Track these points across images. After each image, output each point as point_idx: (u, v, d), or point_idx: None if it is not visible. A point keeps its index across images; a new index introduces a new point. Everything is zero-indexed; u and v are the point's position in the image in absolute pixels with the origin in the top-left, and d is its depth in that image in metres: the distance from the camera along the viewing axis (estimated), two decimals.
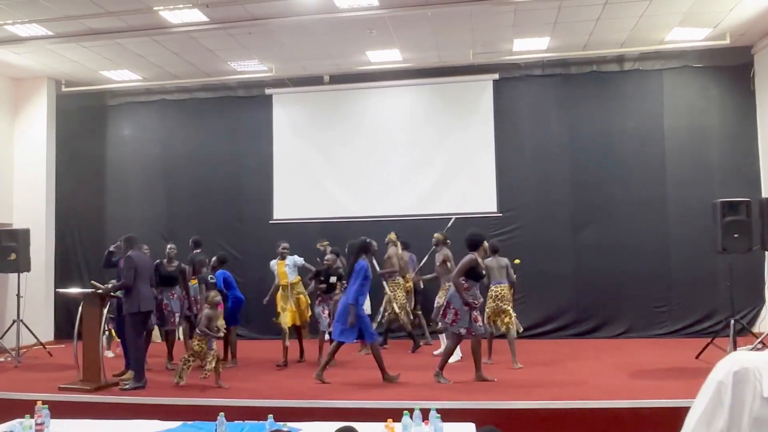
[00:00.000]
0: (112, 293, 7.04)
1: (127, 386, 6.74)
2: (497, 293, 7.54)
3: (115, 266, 7.48)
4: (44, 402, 4.45)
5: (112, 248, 7.71)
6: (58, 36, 8.89)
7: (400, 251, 9.04)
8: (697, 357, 7.53)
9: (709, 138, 9.76)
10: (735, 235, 7.24)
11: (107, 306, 7.13)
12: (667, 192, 9.76)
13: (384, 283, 8.89)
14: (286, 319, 8.07)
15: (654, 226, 9.70)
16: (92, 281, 7.58)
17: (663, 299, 9.64)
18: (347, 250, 7.34)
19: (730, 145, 9.68)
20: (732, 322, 7.23)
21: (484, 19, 8.58)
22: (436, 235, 8.58)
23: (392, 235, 9.15)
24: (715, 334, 7.89)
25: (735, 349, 7.16)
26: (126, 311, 6.90)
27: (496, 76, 10.33)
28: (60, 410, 4.87)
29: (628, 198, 9.80)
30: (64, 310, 10.45)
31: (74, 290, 8.13)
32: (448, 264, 8.10)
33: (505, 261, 7.77)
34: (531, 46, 9.65)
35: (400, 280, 8.89)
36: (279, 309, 8.23)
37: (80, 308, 7.16)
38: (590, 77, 10.13)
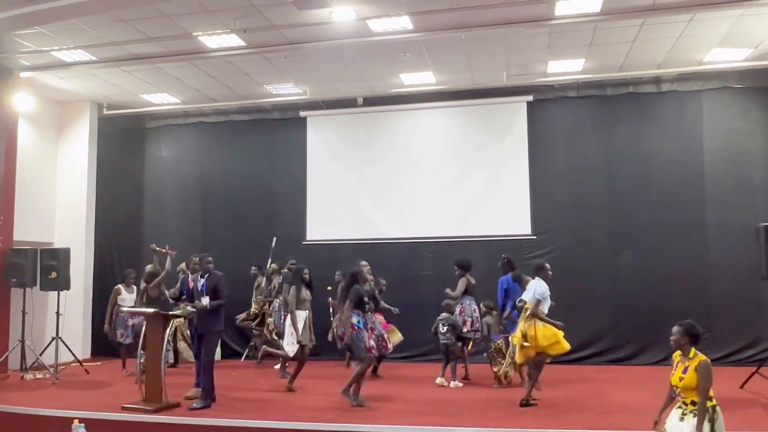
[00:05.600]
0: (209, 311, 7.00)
1: (196, 405, 6.78)
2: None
3: (183, 294, 7.42)
4: (81, 420, 4.51)
5: (182, 275, 7.73)
6: (101, 61, 9.17)
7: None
8: (741, 387, 7.26)
9: (751, 160, 9.50)
10: None
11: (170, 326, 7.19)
12: (708, 215, 9.51)
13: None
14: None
15: (694, 250, 9.44)
16: (184, 303, 7.31)
17: (705, 326, 9.19)
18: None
19: None
20: None
21: (518, 41, 8.56)
22: (272, 266, 9.60)
23: (275, 265, 9.68)
24: (761, 362, 7.59)
25: None
26: (215, 329, 7.04)
27: (530, 97, 10.27)
28: (96, 428, 4.92)
29: (667, 221, 9.57)
30: (101, 328, 10.60)
31: (142, 309, 8.00)
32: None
33: None
34: (566, 68, 9.59)
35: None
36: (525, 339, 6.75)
37: (143, 328, 7.24)
38: (627, 99, 9.98)
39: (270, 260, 9.87)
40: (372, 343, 6.82)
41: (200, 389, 7.12)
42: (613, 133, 10.02)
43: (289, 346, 7.65)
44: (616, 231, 9.78)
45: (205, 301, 6.94)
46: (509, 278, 8.23)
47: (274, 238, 10.10)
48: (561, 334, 6.72)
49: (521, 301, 7.15)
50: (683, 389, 4.14)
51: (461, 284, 8.30)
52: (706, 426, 4.02)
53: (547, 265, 7.02)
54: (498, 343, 8.02)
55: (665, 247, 9.52)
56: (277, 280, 9.48)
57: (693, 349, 4.20)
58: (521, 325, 6.81)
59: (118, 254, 11.51)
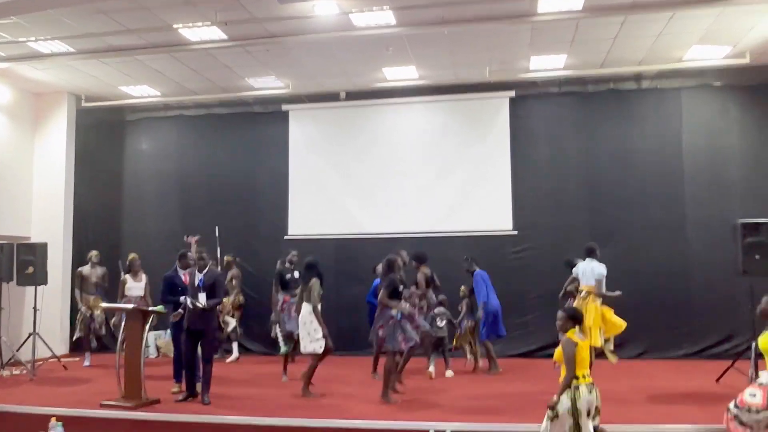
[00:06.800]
0: (206, 309, 6.92)
1: (181, 398, 6.98)
2: None
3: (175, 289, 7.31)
4: (58, 418, 4.45)
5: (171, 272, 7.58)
6: (79, 52, 9.01)
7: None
8: (717, 380, 7.38)
9: (729, 158, 9.63)
10: (756, 257, 7.11)
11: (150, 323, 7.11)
12: (686, 212, 9.63)
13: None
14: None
15: (673, 247, 9.56)
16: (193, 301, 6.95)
17: (682, 320, 9.48)
18: None
19: (751, 165, 9.54)
20: (753, 345, 7.06)
21: (501, 37, 8.58)
22: (227, 258, 10.02)
23: (229, 257, 10.12)
24: (736, 356, 7.72)
25: (756, 372, 7.00)
26: (213, 325, 7.31)
27: (513, 93, 10.30)
28: (74, 426, 4.87)
29: (646, 217, 9.68)
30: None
31: (122, 305, 8.20)
32: (234, 282, 9.97)
33: None
34: (548, 64, 9.62)
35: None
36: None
37: (122, 323, 7.24)
38: (607, 95, 10.06)
39: (219, 249, 9.84)
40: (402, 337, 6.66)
41: (180, 384, 7.23)
42: (594, 129, 10.09)
43: (314, 343, 7.02)
44: (596, 226, 9.85)
45: (203, 299, 6.85)
46: (483, 272, 8.73)
47: (217, 227, 10.09)
48: (610, 312, 7.53)
49: (573, 283, 7.98)
50: (558, 361, 4.68)
51: (421, 277, 8.27)
52: (566, 401, 4.35)
53: (597, 249, 7.75)
54: (470, 324, 8.64)
55: (644, 243, 9.62)
56: (234, 272, 9.94)
57: (571, 330, 4.64)
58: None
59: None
